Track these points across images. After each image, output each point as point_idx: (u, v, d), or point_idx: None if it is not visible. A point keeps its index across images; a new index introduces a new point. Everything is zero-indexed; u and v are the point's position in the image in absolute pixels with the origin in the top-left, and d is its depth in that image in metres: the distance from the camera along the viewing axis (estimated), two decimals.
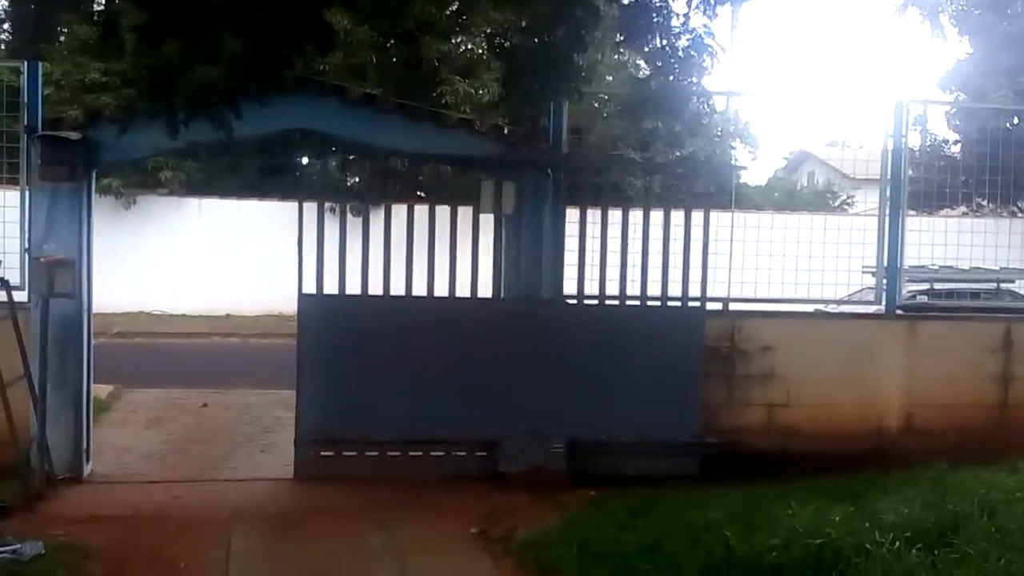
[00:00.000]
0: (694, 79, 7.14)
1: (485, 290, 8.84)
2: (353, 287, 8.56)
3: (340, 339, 8.48)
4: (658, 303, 8.87)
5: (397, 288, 8.69)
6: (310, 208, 8.46)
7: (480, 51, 22.68)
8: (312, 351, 8.46)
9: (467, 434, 8.59)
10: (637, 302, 8.86)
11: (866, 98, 17.13)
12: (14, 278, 7.90)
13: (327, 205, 8.72)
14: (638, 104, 7.90)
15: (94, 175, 8.67)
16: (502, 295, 8.91)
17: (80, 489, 8.09)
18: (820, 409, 8.99)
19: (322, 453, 8.47)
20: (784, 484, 7.32)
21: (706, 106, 22.77)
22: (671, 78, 7.03)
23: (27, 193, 8.21)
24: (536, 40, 7.30)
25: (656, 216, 8.87)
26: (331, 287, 8.55)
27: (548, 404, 8.50)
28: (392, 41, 22.13)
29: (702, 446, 8.73)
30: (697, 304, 8.90)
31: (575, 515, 7.36)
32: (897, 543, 5.36)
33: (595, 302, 8.86)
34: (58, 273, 7.88)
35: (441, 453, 8.59)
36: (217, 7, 5.51)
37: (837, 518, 5.84)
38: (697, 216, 8.88)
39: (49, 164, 8.05)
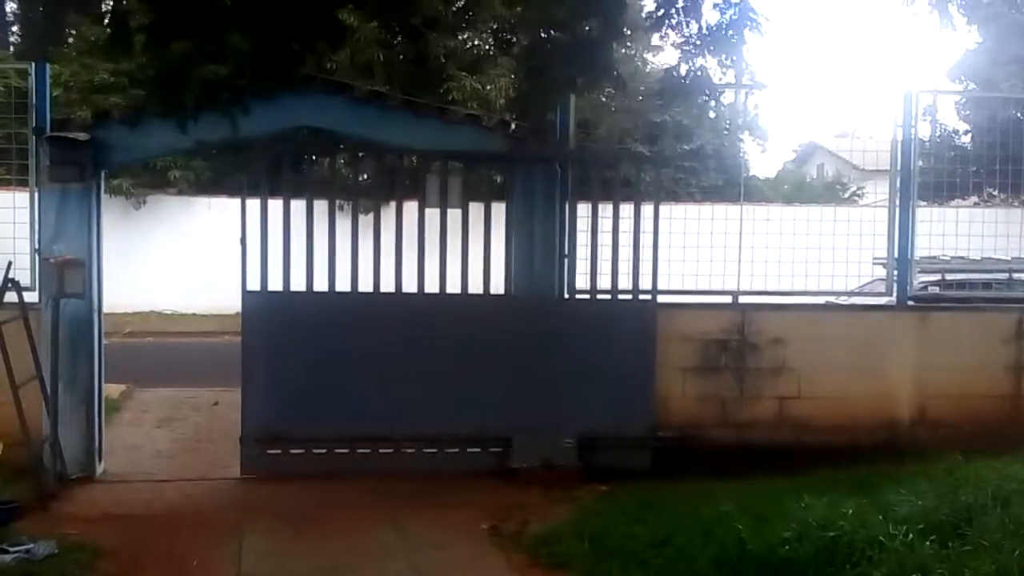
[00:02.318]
0: (733, 58, 6.98)
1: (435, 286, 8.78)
2: (306, 283, 8.60)
3: (284, 336, 8.45)
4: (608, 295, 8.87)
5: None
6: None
7: (487, 47, 22.66)
8: (257, 349, 8.44)
9: (418, 431, 8.52)
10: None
11: (875, 89, 17.10)
12: (24, 279, 7.91)
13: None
14: (669, 94, 7.73)
15: (103, 175, 8.70)
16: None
17: (92, 488, 8.12)
18: (832, 401, 8.96)
19: (269, 451, 8.44)
20: (796, 477, 7.31)
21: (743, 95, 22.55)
22: (702, 61, 6.92)
23: (36, 194, 8.22)
24: (566, 33, 7.23)
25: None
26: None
27: (496, 400, 8.49)
28: (399, 38, 22.09)
29: (655, 439, 8.69)
30: (648, 297, 8.85)
31: (586, 509, 7.35)
32: (910, 535, 5.34)
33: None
34: (68, 274, 7.89)
35: (390, 450, 8.53)
36: (224, 6, 5.51)
37: (850, 511, 5.82)
38: (647, 209, 8.84)
39: (58, 165, 8.07)
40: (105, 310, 8.70)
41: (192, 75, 5.70)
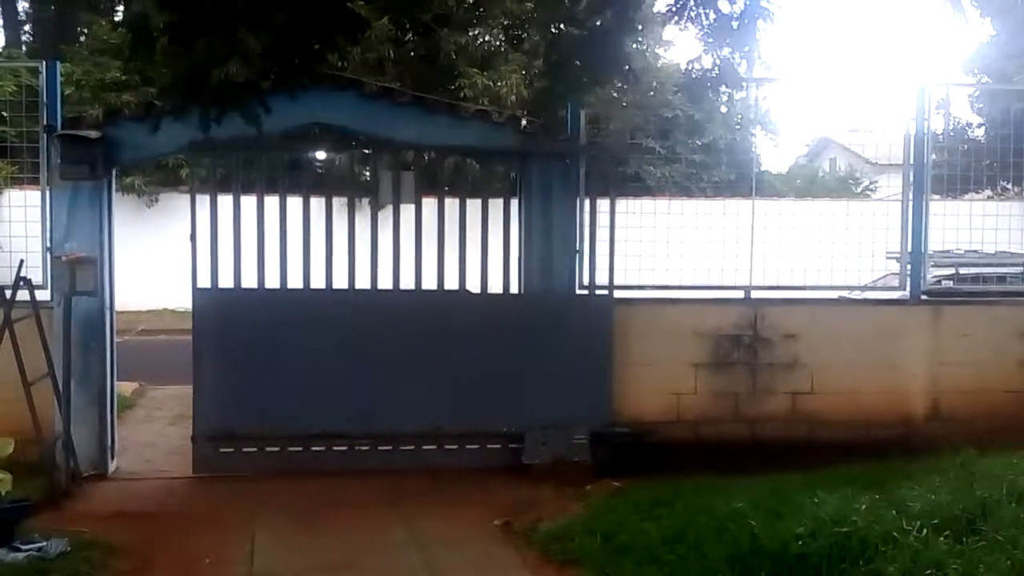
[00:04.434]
0: (748, 49, 6.90)
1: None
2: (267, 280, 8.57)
3: (235, 333, 8.41)
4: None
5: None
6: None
7: (498, 43, 22.63)
8: (207, 346, 8.40)
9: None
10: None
11: (888, 83, 17.01)
12: (36, 277, 7.94)
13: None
14: (695, 86, 7.64)
15: (114, 173, 8.71)
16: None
17: (105, 486, 8.15)
18: (845, 396, 8.94)
19: (221, 449, 8.42)
20: (810, 472, 7.27)
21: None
22: (726, 52, 6.86)
23: (48, 192, 8.24)
24: (581, 27, 7.20)
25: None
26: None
27: (424, 397, 8.49)
28: (410, 35, 22.11)
29: (613, 435, 8.64)
30: (604, 292, 8.83)
31: (598, 506, 7.32)
32: (924, 531, 5.30)
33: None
34: (80, 271, 7.91)
35: (345, 448, 8.52)
36: (241, 6, 5.51)
37: (863, 506, 5.78)
38: (603, 204, 8.83)
39: (69, 163, 8.08)
40: (118, 308, 8.74)
41: (212, 76, 5.71)
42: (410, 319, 8.56)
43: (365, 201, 9.15)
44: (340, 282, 8.63)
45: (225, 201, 8.45)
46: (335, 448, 8.54)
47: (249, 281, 8.53)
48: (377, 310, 8.60)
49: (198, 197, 8.53)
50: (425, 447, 8.63)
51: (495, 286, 8.86)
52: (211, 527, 7.07)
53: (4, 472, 6.57)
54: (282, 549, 6.66)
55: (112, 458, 8.52)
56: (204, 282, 8.50)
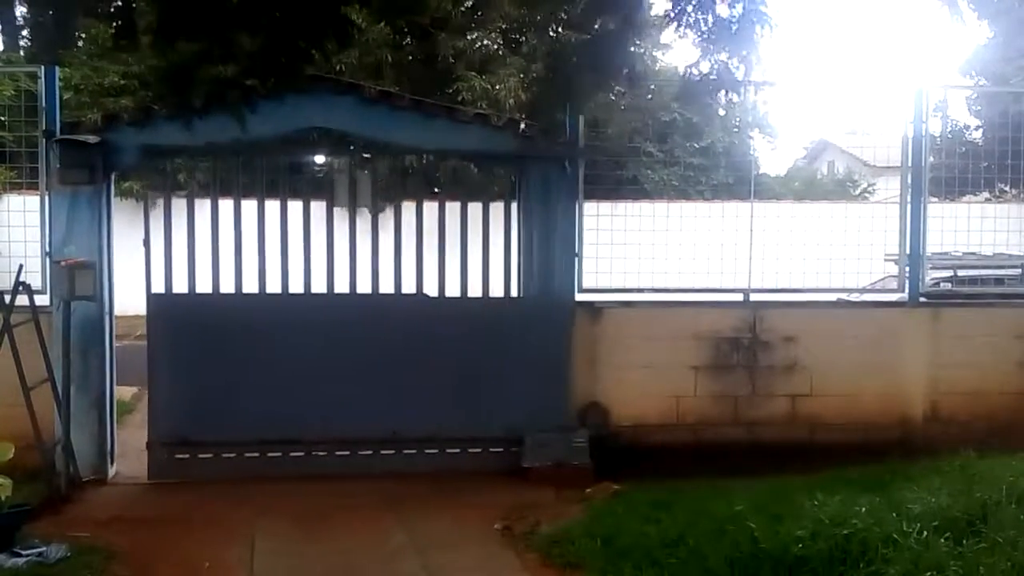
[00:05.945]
0: (747, 53, 6.92)
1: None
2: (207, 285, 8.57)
3: (190, 339, 8.41)
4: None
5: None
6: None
7: (496, 47, 22.64)
8: (162, 352, 8.41)
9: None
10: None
11: (886, 85, 17.03)
12: (35, 282, 7.94)
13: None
14: (691, 91, 7.62)
15: (113, 178, 8.70)
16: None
17: (105, 491, 8.14)
18: (844, 399, 8.94)
19: (177, 455, 8.40)
20: (809, 475, 7.28)
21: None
22: (723, 56, 6.87)
23: (47, 197, 8.25)
24: (582, 31, 7.21)
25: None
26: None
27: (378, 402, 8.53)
28: (408, 39, 22.11)
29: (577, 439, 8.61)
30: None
31: (598, 509, 7.33)
32: (924, 533, 5.31)
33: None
34: (79, 276, 7.91)
35: (301, 453, 8.51)
36: (232, 5, 5.51)
37: (863, 508, 5.78)
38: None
39: (68, 168, 8.09)
40: (117, 312, 8.75)
41: (200, 74, 5.71)
42: (366, 323, 8.53)
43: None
44: (296, 286, 8.64)
45: (179, 205, 8.48)
46: (292, 454, 8.51)
47: (204, 286, 8.51)
48: (334, 314, 8.57)
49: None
50: (384, 452, 8.62)
51: (459, 291, 8.85)
52: (211, 532, 7.06)
53: (4, 477, 6.58)
54: (282, 554, 6.65)
55: (112, 463, 8.52)
56: (159, 287, 8.49)
